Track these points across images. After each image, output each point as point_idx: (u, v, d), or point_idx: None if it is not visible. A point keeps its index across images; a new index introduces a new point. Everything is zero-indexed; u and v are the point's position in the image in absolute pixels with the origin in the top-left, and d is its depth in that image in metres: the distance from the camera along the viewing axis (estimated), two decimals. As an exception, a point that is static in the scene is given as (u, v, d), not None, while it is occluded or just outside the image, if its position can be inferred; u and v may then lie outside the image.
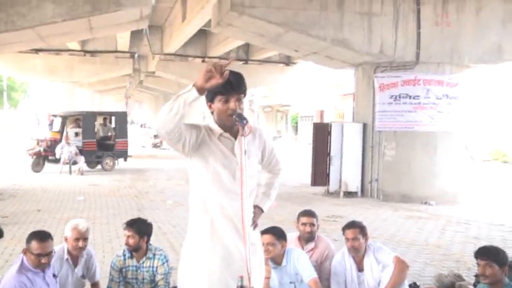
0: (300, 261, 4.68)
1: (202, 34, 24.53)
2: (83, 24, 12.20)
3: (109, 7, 11.50)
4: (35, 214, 10.36)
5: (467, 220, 10.80)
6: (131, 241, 4.88)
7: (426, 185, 13.00)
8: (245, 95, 3.09)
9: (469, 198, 13.38)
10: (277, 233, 4.68)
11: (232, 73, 3.05)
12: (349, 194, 13.62)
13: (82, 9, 11.39)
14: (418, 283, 5.72)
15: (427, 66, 12.99)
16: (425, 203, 12.68)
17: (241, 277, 2.73)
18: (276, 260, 4.70)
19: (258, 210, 3.36)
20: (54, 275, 4.34)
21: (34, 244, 4.14)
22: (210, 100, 3.08)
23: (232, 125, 3.00)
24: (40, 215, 10.26)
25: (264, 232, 4.60)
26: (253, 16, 12.20)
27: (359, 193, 13.67)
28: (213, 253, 3.00)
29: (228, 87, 2.98)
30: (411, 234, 9.37)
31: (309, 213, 5.29)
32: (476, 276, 4.76)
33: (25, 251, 4.18)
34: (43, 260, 4.14)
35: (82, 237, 4.78)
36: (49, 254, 4.20)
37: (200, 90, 2.73)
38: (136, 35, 23.60)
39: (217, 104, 3.04)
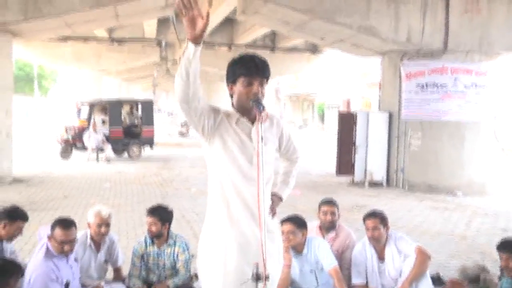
0: (321, 249, 4.69)
1: (229, 22, 24.49)
2: (109, 11, 12.27)
3: (135, -6, 11.58)
4: (61, 200, 10.54)
5: (495, 211, 10.62)
6: (153, 228, 4.93)
7: (453, 175, 12.81)
8: (267, 81, 3.05)
9: (498, 189, 13.15)
10: (297, 222, 4.68)
11: (258, 58, 3.03)
12: (374, 184, 13.50)
13: (108, -4, 11.48)
14: (441, 275, 5.64)
15: (455, 55, 12.74)
16: (452, 193, 12.49)
17: (257, 264, 2.71)
18: (297, 249, 4.70)
19: (276, 198, 3.34)
20: (76, 259, 4.41)
21: (58, 231, 4.21)
22: (233, 81, 3.05)
23: (251, 109, 2.97)
24: (67, 201, 10.42)
25: (284, 220, 4.59)
26: (278, 3, 12.15)
27: (385, 183, 13.54)
28: (230, 239, 2.98)
29: (253, 70, 2.96)
30: (436, 224, 9.25)
31: (330, 202, 5.26)
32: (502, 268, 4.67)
33: (50, 238, 4.24)
34: (66, 248, 4.21)
35: (104, 223, 4.85)
36: (72, 242, 4.28)
37: (195, 41, 2.62)
38: (163, 23, 23.67)
39: (239, 86, 3.00)
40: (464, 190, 12.55)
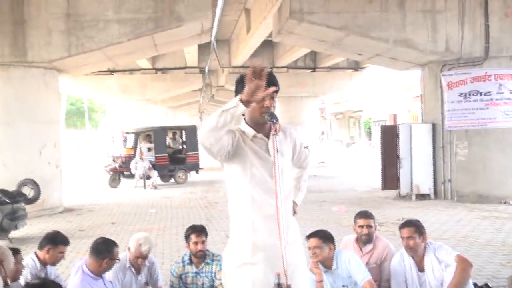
0: (352, 263, 4.52)
1: (269, 45, 24.60)
2: (147, 41, 12.61)
3: (171, 23, 11.84)
4: (109, 226, 10.78)
5: (550, 219, 10.22)
6: (201, 246, 5.10)
7: (504, 184, 12.39)
8: (277, 94, 3.09)
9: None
10: (323, 236, 4.55)
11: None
12: (421, 197, 13.21)
13: (145, 27, 11.77)
14: (491, 285, 5.45)
15: (498, 60, 12.46)
16: (504, 203, 12.09)
17: (278, 274, 2.71)
18: (326, 264, 4.56)
19: (292, 203, 3.35)
20: (110, 282, 4.53)
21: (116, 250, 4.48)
22: None
23: (264, 123, 3.01)
24: (114, 227, 10.66)
25: (310, 235, 4.53)
26: (312, 22, 12.21)
27: (432, 195, 13.22)
28: (255, 253, 3.02)
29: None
30: (486, 234, 8.96)
31: (365, 215, 5.17)
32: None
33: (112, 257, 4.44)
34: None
35: (142, 256, 4.92)
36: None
37: (247, 104, 2.76)
38: (203, 50, 24.04)
39: None
40: (517, 198, 12.14)
